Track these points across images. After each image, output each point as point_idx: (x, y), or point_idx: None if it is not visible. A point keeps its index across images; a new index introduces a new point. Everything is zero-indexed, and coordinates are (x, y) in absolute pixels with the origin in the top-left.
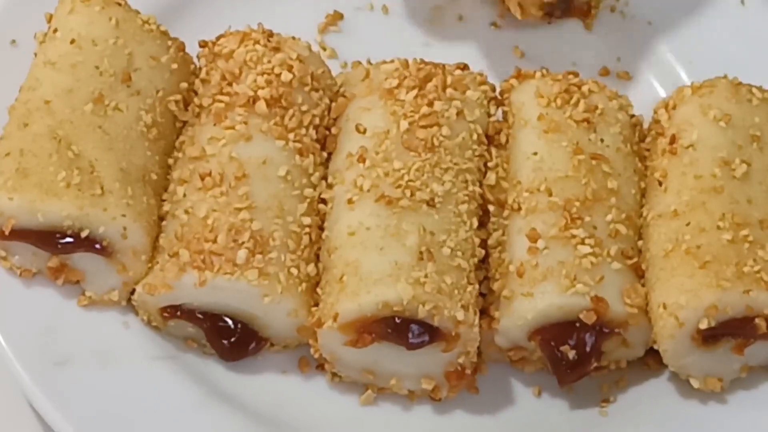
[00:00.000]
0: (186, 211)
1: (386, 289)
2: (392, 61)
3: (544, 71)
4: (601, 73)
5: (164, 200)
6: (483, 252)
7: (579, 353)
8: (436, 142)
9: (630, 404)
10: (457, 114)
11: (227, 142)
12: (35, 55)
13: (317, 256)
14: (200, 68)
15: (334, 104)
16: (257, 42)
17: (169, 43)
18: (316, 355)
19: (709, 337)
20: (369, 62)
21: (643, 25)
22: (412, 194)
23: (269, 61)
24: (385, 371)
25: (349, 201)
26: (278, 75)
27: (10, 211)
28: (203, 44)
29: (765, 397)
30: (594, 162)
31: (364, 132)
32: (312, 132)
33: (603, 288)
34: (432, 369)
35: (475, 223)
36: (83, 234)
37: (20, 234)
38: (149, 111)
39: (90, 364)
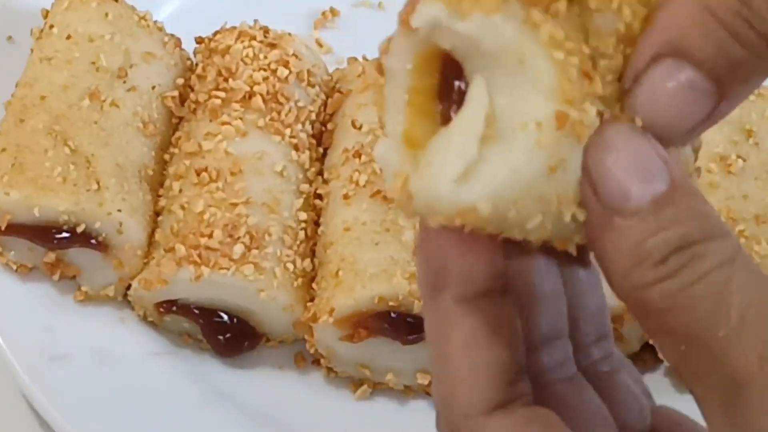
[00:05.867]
0: (182, 207)
1: (382, 284)
2: None
3: None
4: None
5: (160, 196)
6: None
7: None
8: None
9: None
10: None
11: (223, 137)
12: (31, 51)
13: (313, 252)
14: (196, 64)
15: (330, 100)
16: (253, 38)
17: (166, 39)
18: (312, 351)
19: None
20: (365, 58)
21: None
22: None
23: (265, 57)
24: (381, 366)
25: (345, 196)
26: (274, 71)
27: (7, 206)
28: (199, 40)
29: None
30: None
31: (360, 128)
32: (308, 127)
33: None
34: (428, 364)
35: None
36: (79, 229)
37: (16, 229)
38: (145, 107)
39: (86, 359)
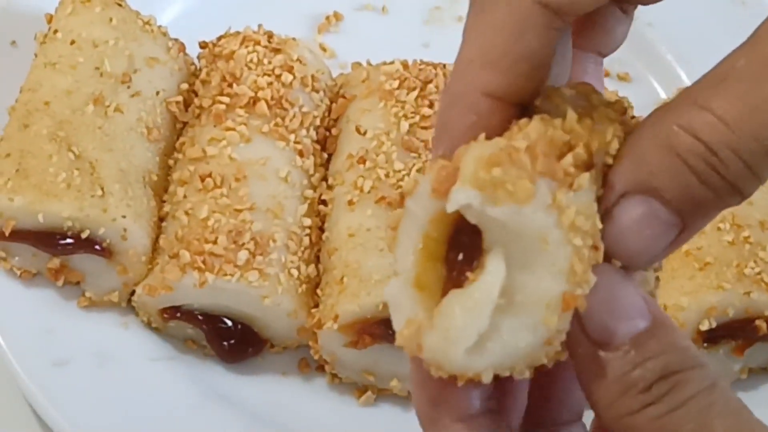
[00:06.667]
0: (186, 213)
1: None
2: (392, 62)
3: None
4: None
5: (164, 201)
6: None
7: None
8: None
9: None
10: None
11: (227, 143)
12: (35, 56)
13: (317, 258)
14: (200, 69)
15: (334, 105)
16: (258, 43)
17: (170, 44)
18: (316, 357)
19: (710, 338)
20: (369, 63)
21: (643, 26)
22: None
23: (270, 62)
24: (385, 372)
25: (350, 202)
26: (279, 76)
27: (11, 212)
28: (203, 45)
29: (765, 399)
30: None
31: (365, 133)
32: (312, 133)
33: None
34: None
35: None
36: (83, 235)
37: (20, 235)
38: (149, 112)
39: (89, 364)
